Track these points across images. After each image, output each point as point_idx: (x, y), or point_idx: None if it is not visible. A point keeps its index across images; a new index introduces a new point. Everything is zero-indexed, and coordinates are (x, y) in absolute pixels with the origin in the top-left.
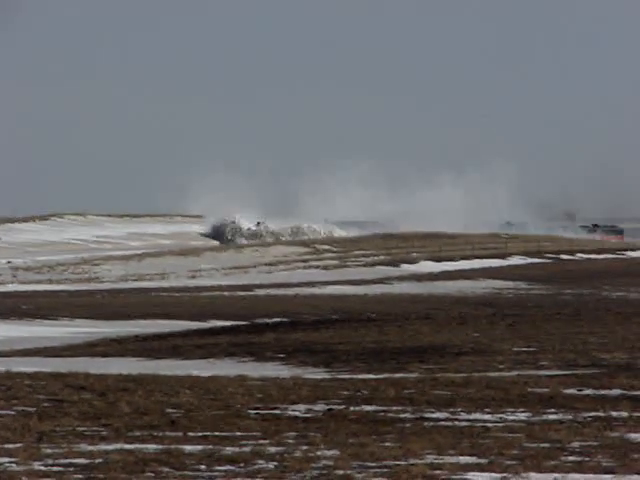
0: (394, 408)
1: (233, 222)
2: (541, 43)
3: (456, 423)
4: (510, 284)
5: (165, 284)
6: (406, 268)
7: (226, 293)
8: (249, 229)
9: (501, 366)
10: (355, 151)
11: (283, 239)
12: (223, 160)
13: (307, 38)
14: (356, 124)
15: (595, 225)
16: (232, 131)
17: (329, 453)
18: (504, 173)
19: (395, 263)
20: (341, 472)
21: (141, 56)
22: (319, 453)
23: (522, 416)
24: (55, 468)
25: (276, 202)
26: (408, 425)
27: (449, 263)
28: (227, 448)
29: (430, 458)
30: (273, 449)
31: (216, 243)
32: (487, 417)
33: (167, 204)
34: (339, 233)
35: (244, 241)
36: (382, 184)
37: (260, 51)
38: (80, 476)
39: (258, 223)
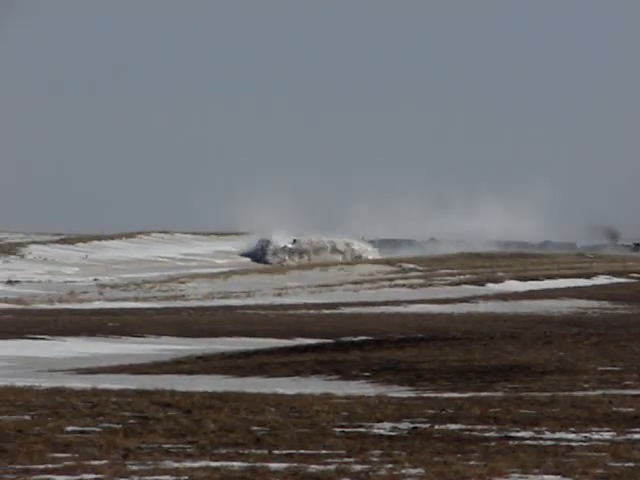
0: (479, 427)
1: (269, 241)
2: (580, 58)
3: (541, 442)
4: (595, 304)
5: (251, 302)
6: (491, 287)
7: (312, 311)
8: (285, 247)
9: (586, 385)
10: (395, 167)
11: (318, 258)
12: (264, 177)
13: (356, 55)
14: (389, 142)
15: (637, 244)
16: (277, 147)
17: (414, 471)
18: (542, 192)
19: (480, 282)
20: None
21: (189, 69)
22: (404, 471)
23: (607, 435)
24: None
25: (309, 218)
26: (493, 444)
27: (534, 282)
28: (312, 466)
29: (514, 477)
30: (358, 467)
31: (254, 264)
32: (572, 436)
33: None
34: (371, 252)
35: (280, 259)
36: (417, 202)
37: (307, 67)
38: None
39: (294, 241)
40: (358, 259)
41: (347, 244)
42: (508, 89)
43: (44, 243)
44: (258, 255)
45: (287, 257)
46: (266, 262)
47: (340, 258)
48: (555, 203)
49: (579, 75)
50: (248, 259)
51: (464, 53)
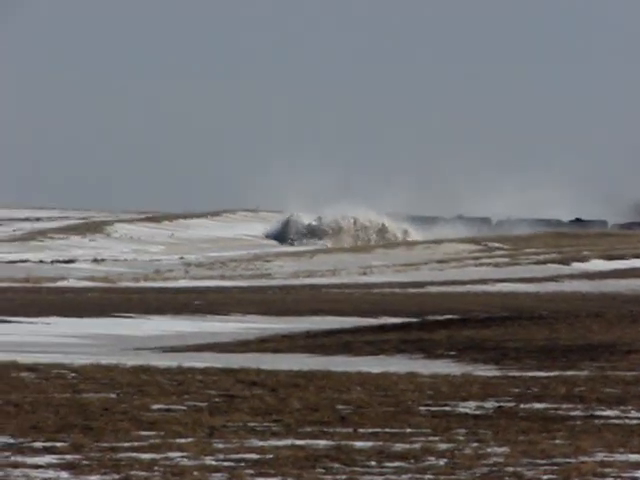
0: (564, 406)
1: (289, 220)
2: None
3: (626, 421)
4: None
5: (336, 280)
6: (577, 266)
7: (397, 290)
8: (309, 224)
9: None
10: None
11: (345, 235)
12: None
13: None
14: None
15: None
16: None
17: (499, 450)
18: (567, 169)
19: (566, 261)
20: (511, 469)
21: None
22: (489, 450)
23: None
24: (226, 463)
25: (329, 190)
26: (578, 423)
27: (620, 261)
28: (397, 444)
29: (600, 456)
30: (443, 446)
31: (279, 245)
32: None
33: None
34: (394, 228)
35: (308, 240)
36: (444, 178)
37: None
38: (251, 471)
39: (319, 218)
40: (390, 240)
41: (382, 224)
42: (542, 67)
43: (130, 222)
44: (281, 236)
45: (307, 239)
46: (290, 244)
47: (371, 239)
48: (581, 180)
49: (611, 47)
50: (274, 241)
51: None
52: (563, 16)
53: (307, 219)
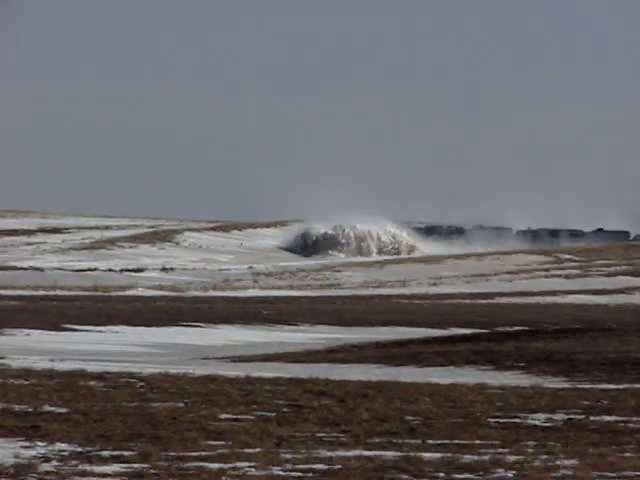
0: (634, 419)
1: (312, 228)
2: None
3: None
4: None
5: (406, 291)
6: None
7: (467, 301)
8: (325, 233)
9: None
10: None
11: (364, 244)
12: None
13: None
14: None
15: None
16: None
17: (568, 463)
18: (586, 178)
19: (637, 273)
20: None
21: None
22: (558, 462)
23: None
24: (294, 473)
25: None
26: None
27: None
28: (466, 456)
29: None
30: (512, 458)
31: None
32: None
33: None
34: (406, 238)
35: (331, 251)
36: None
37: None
38: None
39: (334, 228)
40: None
41: (393, 235)
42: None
43: (199, 230)
44: (298, 247)
45: (326, 249)
46: (307, 254)
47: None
48: (597, 190)
49: (622, 59)
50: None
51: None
52: (595, 34)
53: (324, 229)
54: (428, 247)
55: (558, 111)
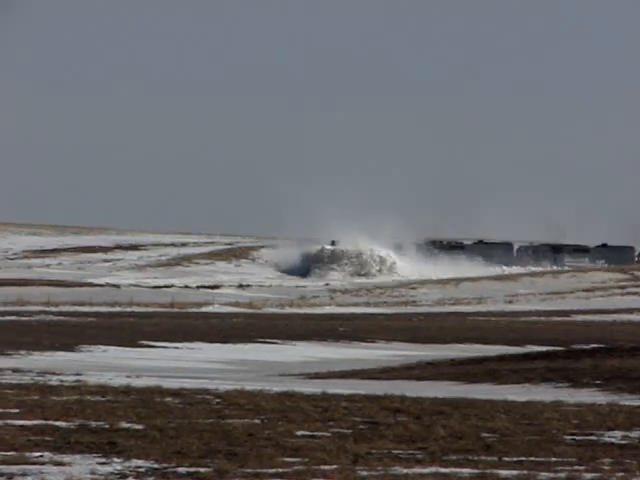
0: None
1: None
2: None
3: None
4: None
5: (482, 308)
6: None
7: (543, 318)
8: (322, 249)
9: None
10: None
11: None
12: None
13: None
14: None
15: None
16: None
17: None
18: (587, 194)
19: None
20: None
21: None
22: None
23: None
24: None
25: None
26: None
27: None
28: (542, 473)
29: None
30: (589, 475)
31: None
32: None
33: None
34: (392, 258)
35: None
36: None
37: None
38: None
39: (332, 242)
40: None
41: (379, 256)
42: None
43: (275, 247)
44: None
45: (321, 267)
46: (303, 274)
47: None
48: (602, 205)
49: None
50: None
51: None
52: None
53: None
54: (413, 265)
55: (558, 125)
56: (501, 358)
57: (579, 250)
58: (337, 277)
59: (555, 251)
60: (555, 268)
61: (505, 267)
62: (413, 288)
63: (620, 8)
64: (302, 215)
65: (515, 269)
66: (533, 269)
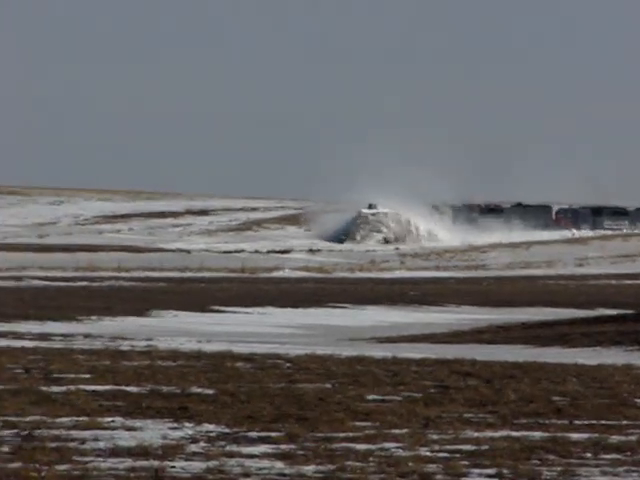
0: None
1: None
2: None
3: None
4: None
5: (552, 272)
6: None
7: (613, 281)
8: (359, 214)
9: None
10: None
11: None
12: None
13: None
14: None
15: None
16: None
17: None
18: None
19: None
20: None
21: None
22: None
23: None
24: (441, 454)
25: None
26: None
27: None
28: (613, 437)
29: None
30: None
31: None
32: None
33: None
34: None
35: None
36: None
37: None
38: (466, 462)
39: (370, 206)
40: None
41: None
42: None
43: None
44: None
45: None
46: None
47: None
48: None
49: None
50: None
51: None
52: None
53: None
54: (452, 235)
55: (594, 84)
56: (571, 322)
57: (618, 213)
58: (372, 244)
59: (594, 214)
60: (593, 232)
61: (543, 232)
62: (483, 252)
63: None
64: (346, 176)
65: (554, 233)
66: (570, 233)
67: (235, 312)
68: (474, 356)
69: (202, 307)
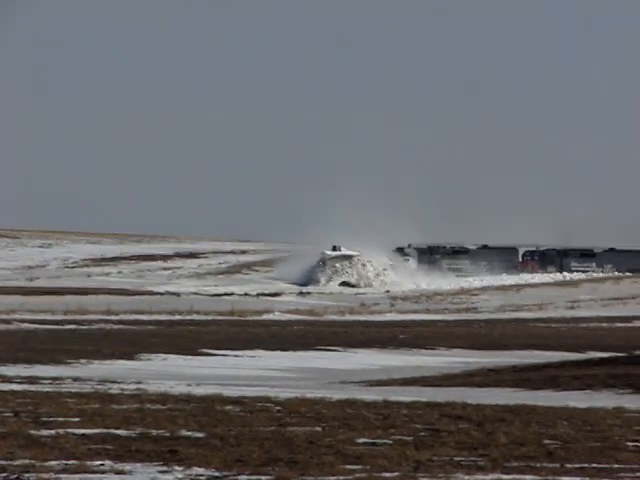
0: None
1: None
2: None
3: None
4: None
5: (543, 315)
6: None
7: (604, 324)
8: (325, 254)
9: None
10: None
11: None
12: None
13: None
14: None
15: None
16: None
17: None
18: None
19: None
20: None
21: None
22: None
23: None
24: None
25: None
26: None
27: None
28: None
29: None
30: None
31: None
32: None
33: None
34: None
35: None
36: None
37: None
38: None
39: (334, 248)
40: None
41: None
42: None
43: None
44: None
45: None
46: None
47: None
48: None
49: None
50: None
51: None
52: None
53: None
54: (414, 277)
55: (564, 125)
56: (562, 364)
57: (586, 255)
58: (332, 287)
59: (561, 256)
60: (561, 274)
61: (507, 275)
62: (474, 294)
63: None
64: (317, 221)
65: (521, 275)
66: (538, 275)
67: (225, 355)
68: (465, 399)
69: (192, 350)
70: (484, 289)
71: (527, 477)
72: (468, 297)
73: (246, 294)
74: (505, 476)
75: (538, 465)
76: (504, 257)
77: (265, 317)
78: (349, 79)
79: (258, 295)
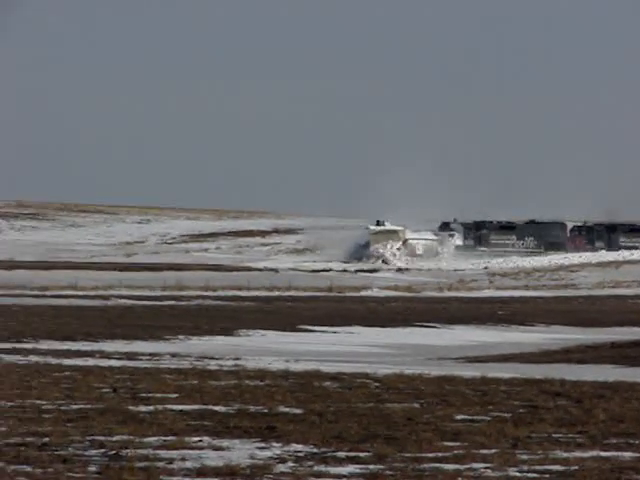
0: None
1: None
2: None
3: None
4: None
5: None
6: None
7: None
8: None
9: None
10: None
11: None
12: None
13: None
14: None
15: None
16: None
17: None
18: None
19: None
20: None
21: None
22: None
23: None
24: (530, 474)
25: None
26: None
27: None
28: None
29: None
30: None
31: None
32: None
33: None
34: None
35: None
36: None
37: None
38: None
39: (378, 222)
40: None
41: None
42: None
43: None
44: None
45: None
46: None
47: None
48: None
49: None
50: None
51: None
52: None
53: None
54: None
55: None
56: None
57: (634, 230)
58: (378, 264)
59: (610, 230)
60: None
61: (556, 252)
62: (573, 271)
63: None
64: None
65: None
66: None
67: (323, 331)
68: (563, 376)
69: (290, 326)
70: (582, 265)
71: (626, 454)
72: (567, 273)
73: (344, 270)
74: (604, 453)
75: (637, 442)
76: (552, 232)
77: (363, 293)
78: (411, 57)
79: (356, 271)
